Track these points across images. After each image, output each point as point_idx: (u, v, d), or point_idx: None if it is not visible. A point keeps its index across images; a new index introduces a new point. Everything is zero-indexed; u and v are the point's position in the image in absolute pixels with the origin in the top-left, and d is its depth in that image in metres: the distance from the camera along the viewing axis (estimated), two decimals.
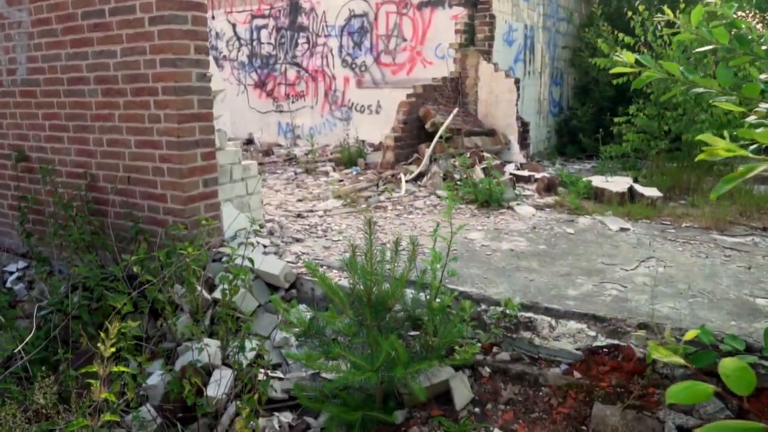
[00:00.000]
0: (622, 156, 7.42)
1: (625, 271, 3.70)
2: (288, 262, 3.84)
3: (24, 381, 2.98)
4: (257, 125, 10.90)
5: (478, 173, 6.17)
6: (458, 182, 6.12)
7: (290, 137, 10.49)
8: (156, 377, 2.92)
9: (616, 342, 2.90)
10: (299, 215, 5.19)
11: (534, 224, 4.96)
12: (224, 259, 3.43)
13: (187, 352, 3.00)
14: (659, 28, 6.82)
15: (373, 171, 7.22)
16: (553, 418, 2.73)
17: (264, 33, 10.63)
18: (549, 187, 6.20)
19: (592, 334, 2.96)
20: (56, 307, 3.46)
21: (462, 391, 2.86)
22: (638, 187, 5.91)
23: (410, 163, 7.04)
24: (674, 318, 2.96)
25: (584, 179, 6.18)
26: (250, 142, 10.64)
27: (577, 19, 10.32)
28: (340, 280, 3.53)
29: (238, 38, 10.98)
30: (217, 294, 3.33)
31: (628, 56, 1.99)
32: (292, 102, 10.43)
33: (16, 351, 2.87)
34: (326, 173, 7.58)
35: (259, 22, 10.64)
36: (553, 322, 3.06)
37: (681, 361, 1.16)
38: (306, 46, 10.12)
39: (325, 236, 4.54)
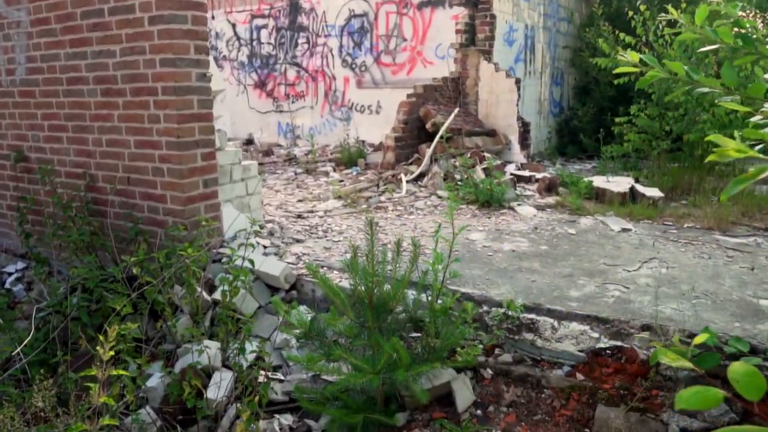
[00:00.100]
0: (623, 156, 7.41)
1: (628, 272, 3.68)
2: (288, 263, 3.82)
3: (23, 383, 2.96)
4: (257, 125, 10.88)
5: (479, 173, 6.15)
6: (459, 182, 6.09)
7: (290, 137, 10.47)
8: (156, 379, 2.90)
9: (619, 344, 2.88)
10: (299, 216, 5.17)
11: (535, 225, 4.94)
12: (224, 260, 3.41)
13: (187, 354, 2.98)
14: (660, 27, 6.80)
15: (374, 171, 7.20)
16: (555, 421, 2.70)
17: (264, 33, 10.61)
18: (550, 188, 6.18)
19: (595, 335, 2.94)
20: (55, 308, 3.44)
21: (464, 394, 2.84)
22: (640, 188, 5.89)
23: (411, 164, 7.02)
24: (677, 319, 2.94)
25: (585, 179, 6.16)
26: (250, 142, 10.62)
27: (577, 19, 10.30)
28: (340, 281, 3.51)
29: (238, 38, 10.96)
30: (217, 295, 3.31)
31: (632, 55, 1.97)
32: (292, 102, 10.41)
33: (14, 353, 2.85)
34: (326, 173, 7.56)
35: (259, 22, 10.62)
36: (556, 324, 3.04)
37: (689, 365, 1.14)
38: (306, 46, 10.10)
39: (326, 237, 4.52)
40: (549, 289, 3.39)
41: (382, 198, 5.97)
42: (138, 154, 3.88)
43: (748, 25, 2.25)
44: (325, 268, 3.76)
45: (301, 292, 3.68)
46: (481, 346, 2.99)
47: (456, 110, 7.33)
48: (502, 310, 3.12)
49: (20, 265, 4.75)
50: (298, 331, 2.77)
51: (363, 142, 8.92)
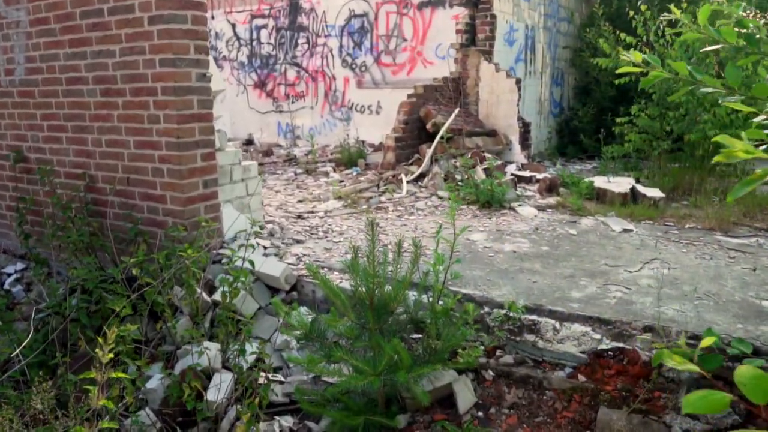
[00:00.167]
0: (624, 156, 7.39)
1: (629, 273, 3.67)
2: (288, 263, 3.80)
3: (22, 385, 2.94)
4: (257, 126, 10.86)
5: (479, 174, 6.14)
6: (459, 183, 6.08)
7: (290, 138, 10.45)
8: (155, 381, 2.88)
9: (621, 345, 2.86)
10: (300, 216, 5.15)
11: (536, 225, 4.93)
12: (224, 261, 3.39)
13: (186, 355, 2.96)
14: (661, 27, 6.79)
15: (374, 171, 7.18)
16: (557, 423, 2.69)
17: (264, 33, 10.60)
18: (551, 188, 6.16)
19: (597, 337, 2.93)
20: (54, 309, 3.43)
21: (465, 395, 2.83)
22: (640, 188, 5.88)
23: (411, 164, 7.01)
24: (680, 321, 2.93)
25: (586, 180, 6.15)
26: (249, 142, 10.60)
27: (577, 19, 10.29)
28: (341, 282, 3.50)
29: (238, 38, 10.95)
30: (217, 296, 3.30)
31: (635, 55, 1.95)
32: (292, 102, 10.39)
33: (13, 354, 2.84)
34: (326, 174, 7.55)
35: (259, 22, 10.61)
36: (557, 325, 3.03)
37: (696, 369, 1.13)
38: (306, 46, 10.09)
39: (326, 237, 4.51)
40: (550, 290, 3.38)
41: (383, 198, 5.95)
42: (138, 155, 3.86)
43: (751, 25, 2.23)
44: (325, 269, 3.75)
45: (301, 293, 3.67)
46: (482, 347, 2.98)
47: (456, 110, 7.31)
48: (504, 311, 3.10)
49: (19, 265, 4.73)
50: (298, 332, 2.75)
51: (363, 142, 8.90)
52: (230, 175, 4.12)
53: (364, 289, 2.61)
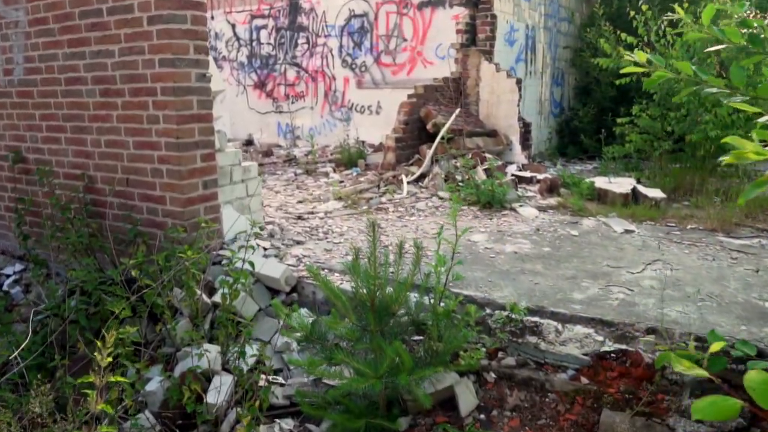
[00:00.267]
0: (625, 157, 7.37)
1: (632, 274, 3.65)
2: (289, 265, 3.78)
3: (20, 387, 2.92)
4: (257, 126, 10.84)
5: (480, 174, 6.12)
6: (460, 183, 6.06)
7: (290, 138, 10.43)
8: (155, 383, 2.86)
9: (624, 347, 2.84)
10: (300, 217, 5.13)
11: (537, 226, 4.91)
12: (224, 262, 3.37)
13: (186, 357, 2.94)
14: (662, 27, 6.77)
15: (374, 172, 7.16)
16: (560, 425, 2.67)
17: (263, 33, 10.57)
18: (551, 189, 6.14)
19: (600, 338, 2.91)
20: (53, 311, 3.40)
21: (467, 398, 2.81)
22: (642, 189, 5.86)
23: (411, 164, 6.99)
24: (683, 323, 2.91)
25: (587, 180, 6.13)
26: (249, 143, 10.58)
27: (578, 19, 10.27)
28: (342, 283, 3.48)
29: (238, 38, 10.93)
30: (217, 298, 3.27)
31: (640, 55, 1.93)
32: (292, 102, 10.37)
33: (11, 357, 2.82)
34: (326, 174, 7.53)
35: (259, 22, 10.59)
36: (560, 327, 3.01)
37: (705, 374, 1.11)
38: (306, 46, 10.06)
39: (326, 239, 4.49)
40: (552, 292, 3.36)
41: (383, 199, 5.93)
42: (137, 155, 3.84)
43: (756, 25, 2.22)
44: (326, 271, 3.72)
45: (301, 294, 3.65)
46: (484, 349, 2.96)
47: (457, 111, 7.30)
48: (506, 313, 3.08)
49: (18, 267, 4.71)
50: (299, 334, 2.73)
51: (363, 142, 8.88)
52: (230, 176, 4.10)
53: (365, 291, 2.58)
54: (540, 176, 6.59)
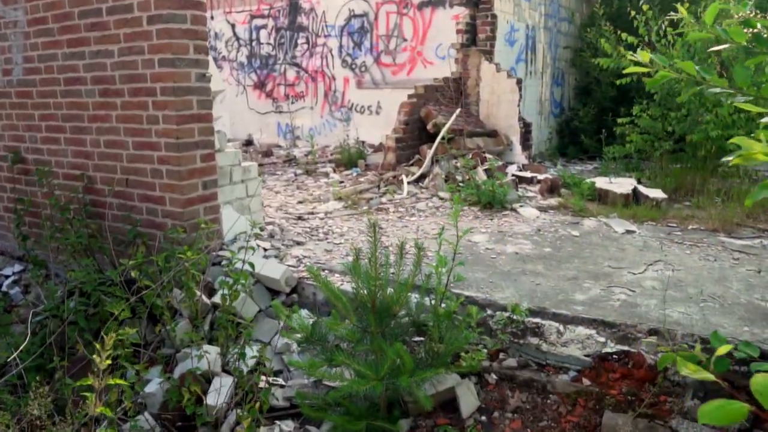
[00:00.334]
0: (625, 157, 7.36)
1: (633, 275, 3.63)
2: (289, 265, 3.77)
3: (19, 388, 2.91)
4: (256, 126, 10.82)
5: (480, 175, 6.10)
6: (461, 184, 6.05)
7: (290, 138, 10.41)
8: (154, 385, 2.85)
9: (626, 348, 2.83)
10: (300, 218, 5.11)
11: (538, 226, 4.89)
12: (224, 263, 3.35)
13: (186, 358, 2.93)
14: (663, 27, 6.75)
15: (374, 172, 7.15)
16: (562, 427, 2.65)
17: (263, 33, 10.56)
18: (552, 189, 6.13)
19: (602, 340, 2.89)
20: (52, 312, 3.39)
21: (468, 399, 2.79)
22: (643, 189, 5.84)
23: (412, 165, 6.97)
24: (685, 324, 2.89)
25: (587, 180, 6.12)
26: (249, 143, 10.56)
27: (578, 19, 10.26)
28: (342, 284, 3.47)
29: (237, 39, 10.91)
30: (217, 299, 3.26)
31: (643, 55, 1.92)
32: (292, 103, 10.35)
33: (10, 359, 2.80)
34: (326, 174, 7.51)
35: (259, 22, 10.57)
36: (561, 328, 2.99)
37: (711, 377, 1.09)
38: (305, 46, 10.05)
39: (327, 239, 4.47)
40: (554, 293, 3.34)
41: (383, 199, 5.92)
42: (136, 156, 3.82)
43: (759, 25, 2.20)
44: (326, 271, 3.71)
45: (302, 295, 3.63)
46: (485, 350, 2.95)
47: (458, 111, 7.28)
48: (507, 314, 3.06)
49: (17, 267, 4.69)
50: (299, 335, 2.71)
51: (363, 142, 8.87)
52: (230, 177, 4.08)
53: (366, 292, 2.57)
54: (540, 176, 6.58)
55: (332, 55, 9.74)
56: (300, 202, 5.85)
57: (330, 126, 9.92)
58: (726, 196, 5.66)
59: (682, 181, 6.34)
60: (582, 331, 2.95)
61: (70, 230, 3.91)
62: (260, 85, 10.73)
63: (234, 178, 4.12)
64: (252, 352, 2.95)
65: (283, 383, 3.06)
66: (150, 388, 2.84)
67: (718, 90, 1.97)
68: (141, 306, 3.05)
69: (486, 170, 6.24)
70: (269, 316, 3.51)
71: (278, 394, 2.92)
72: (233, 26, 10.92)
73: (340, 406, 2.69)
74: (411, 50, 8.85)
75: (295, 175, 7.62)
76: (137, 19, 3.59)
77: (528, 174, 6.74)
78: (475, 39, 7.94)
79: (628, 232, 4.73)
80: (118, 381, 2.03)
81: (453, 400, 2.82)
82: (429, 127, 7.08)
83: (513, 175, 6.62)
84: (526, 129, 7.78)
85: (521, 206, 5.56)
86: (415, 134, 7.23)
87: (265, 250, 4.06)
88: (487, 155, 6.78)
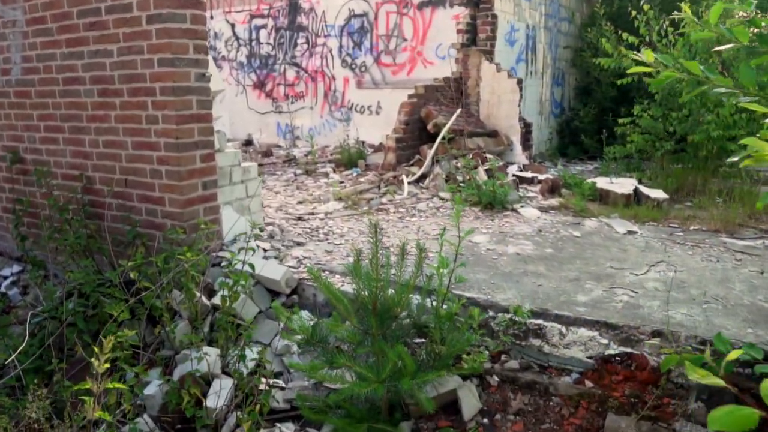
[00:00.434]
0: (626, 157, 7.34)
1: (636, 276, 3.61)
2: (289, 266, 3.75)
3: (17, 391, 2.88)
4: (256, 126, 10.80)
5: (481, 175, 6.08)
6: (461, 184, 6.03)
7: (289, 138, 10.39)
8: (154, 387, 2.82)
9: (628, 350, 2.81)
10: (300, 218, 5.09)
11: (539, 227, 4.87)
12: (224, 263, 3.33)
13: (185, 360, 2.90)
14: (664, 27, 6.73)
15: (374, 172, 7.13)
16: (564, 429, 2.64)
17: (263, 33, 10.54)
18: (553, 189, 6.11)
19: (604, 341, 2.87)
20: (51, 314, 3.36)
21: (470, 401, 2.77)
22: (644, 189, 5.82)
23: (412, 165, 6.95)
24: (688, 325, 2.87)
25: (588, 181, 6.10)
26: (249, 143, 10.54)
27: (578, 19, 10.24)
28: (343, 285, 3.44)
29: (237, 38, 10.89)
30: (217, 300, 3.23)
31: (647, 54, 1.90)
32: (292, 103, 10.33)
33: (8, 361, 2.78)
34: (326, 174, 7.49)
35: (258, 22, 10.55)
36: (564, 329, 2.97)
37: (721, 383, 1.07)
38: (305, 46, 10.03)
39: (327, 240, 4.45)
40: (556, 294, 3.32)
41: (384, 200, 5.89)
42: (136, 156, 3.80)
43: (764, 24, 2.18)
44: (326, 272, 3.69)
45: (302, 296, 3.61)
46: (487, 352, 2.93)
47: (458, 111, 7.26)
48: (509, 316, 3.04)
49: (16, 268, 4.67)
50: (299, 337, 2.69)
51: (363, 142, 8.85)
52: (230, 177, 4.06)
53: (367, 293, 2.54)
54: (541, 177, 6.56)
55: (332, 55, 9.72)
56: (300, 203, 5.83)
57: (330, 126, 9.90)
58: (727, 196, 5.64)
59: (683, 181, 6.32)
60: (584, 332, 2.93)
61: (68, 231, 3.88)
62: (260, 85, 10.70)
63: (234, 178, 4.10)
64: (252, 353, 2.93)
65: (284, 385, 3.04)
66: (149, 390, 2.82)
67: (723, 90, 1.96)
68: (140, 307, 3.02)
69: (487, 170, 6.22)
70: (269, 318, 3.49)
71: (278, 397, 2.90)
72: (233, 26, 10.90)
73: (340, 409, 2.67)
74: (411, 50, 8.83)
75: (295, 175, 7.59)
76: (136, 19, 3.57)
77: (529, 174, 6.73)
78: (476, 39, 7.92)
79: (630, 232, 4.71)
80: (117, 385, 2.01)
81: (455, 402, 2.80)
82: (429, 127, 7.06)
83: (514, 175, 6.60)
84: (526, 129, 7.76)
85: (522, 207, 5.54)
86: (416, 134, 7.21)
87: (265, 250, 4.04)
88: (488, 155, 6.77)
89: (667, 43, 6.73)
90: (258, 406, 2.46)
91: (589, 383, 2.78)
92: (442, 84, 7.66)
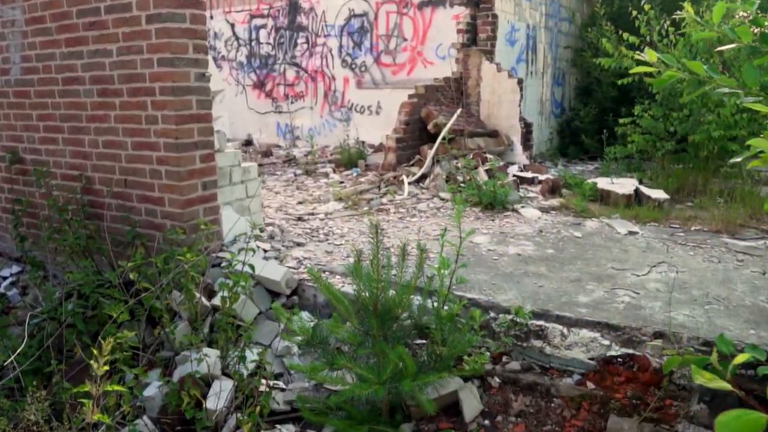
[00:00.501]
0: (626, 157, 7.33)
1: (637, 277, 3.60)
2: (289, 267, 3.73)
3: (16, 392, 2.87)
4: (256, 126, 10.78)
5: (481, 175, 6.07)
6: (462, 184, 6.01)
7: (289, 138, 10.37)
8: (153, 388, 2.81)
9: (630, 351, 2.79)
10: (300, 218, 5.08)
11: (540, 227, 4.86)
12: (224, 264, 3.32)
13: (185, 361, 2.89)
14: (665, 27, 6.72)
15: (374, 173, 7.11)
16: (566, 431, 2.62)
17: (263, 33, 10.52)
18: (553, 189, 6.10)
19: (606, 343, 2.86)
20: (50, 314, 3.35)
21: (471, 403, 2.76)
22: (645, 189, 5.81)
23: (412, 165, 6.94)
24: (690, 326, 2.86)
25: (589, 181, 6.09)
26: (248, 143, 10.53)
27: (579, 19, 10.23)
28: (343, 286, 3.43)
29: (237, 38, 10.87)
30: (217, 301, 3.22)
31: (650, 54, 1.88)
32: (292, 102, 10.32)
33: (7, 362, 2.77)
34: (326, 175, 7.47)
35: (258, 21, 10.53)
36: (565, 331, 2.96)
37: (728, 387, 1.06)
38: (305, 46, 10.01)
39: (327, 240, 4.44)
40: (557, 295, 3.31)
41: (384, 200, 5.88)
42: (135, 156, 3.79)
43: (766, 24, 2.17)
44: (327, 273, 3.67)
45: (302, 297, 3.60)
46: (488, 353, 2.91)
47: (459, 111, 7.25)
48: (510, 317, 3.03)
49: (15, 268, 4.66)
50: (300, 338, 2.68)
51: (363, 143, 8.83)
52: (230, 177, 4.05)
53: (367, 294, 2.53)
54: (542, 177, 6.55)
55: (332, 55, 9.71)
56: (300, 203, 5.82)
57: (330, 126, 9.89)
58: (729, 196, 5.63)
59: (684, 181, 6.31)
60: (586, 333, 2.92)
61: (68, 231, 3.87)
62: (260, 85, 10.69)
63: (234, 178, 4.09)
64: (252, 355, 2.92)
65: (284, 387, 3.02)
66: (149, 391, 2.80)
67: (726, 90, 1.94)
68: (140, 308, 3.01)
69: (487, 171, 6.20)
70: (269, 319, 3.47)
71: (279, 398, 2.89)
72: (233, 26, 10.89)
73: (341, 410, 2.66)
74: (411, 50, 8.81)
75: (295, 175, 7.58)
76: (136, 18, 3.55)
77: (529, 174, 6.71)
78: (476, 39, 7.91)
79: (631, 233, 4.69)
80: (116, 387, 1.99)
81: (456, 403, 2.79)
82: (430, 127, 7.05)
83: (514, 175, 6.59)
84: (527, 129, 7.75)
85: (523, 207, 5.52)
86: (416, 134, 7.20)
87: (265, 251, 4.03)
88: (488, 155, 6.75)
89: (668, 43, 6.72)
90: (258, 408, 2.45)
91: (590, 385, 2.77)
92: (443, 84, 7.65)
